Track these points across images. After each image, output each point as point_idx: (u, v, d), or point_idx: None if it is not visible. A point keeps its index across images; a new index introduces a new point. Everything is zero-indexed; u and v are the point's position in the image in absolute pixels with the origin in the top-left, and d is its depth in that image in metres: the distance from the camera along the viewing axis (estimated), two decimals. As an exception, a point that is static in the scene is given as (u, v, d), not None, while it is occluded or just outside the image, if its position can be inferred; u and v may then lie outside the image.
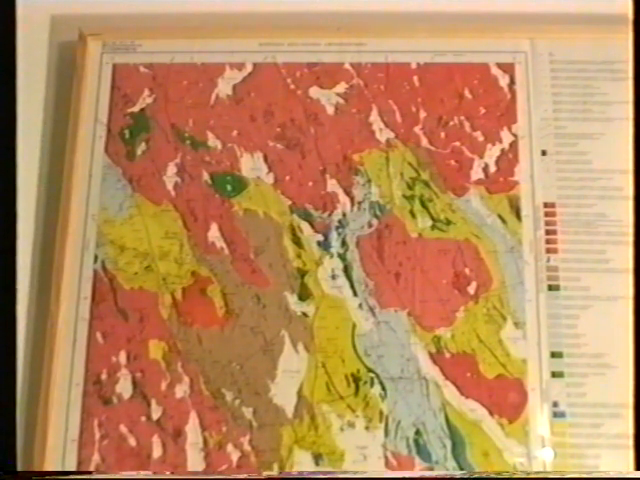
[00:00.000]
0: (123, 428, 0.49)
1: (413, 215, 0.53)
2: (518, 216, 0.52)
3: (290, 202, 0.53)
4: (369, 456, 0.48)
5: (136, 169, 0.54)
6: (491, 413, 0.49)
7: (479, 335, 0.50)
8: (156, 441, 0.49)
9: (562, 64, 0.55)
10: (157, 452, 0.49)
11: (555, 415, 0.49)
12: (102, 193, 0.54)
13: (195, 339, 0.51)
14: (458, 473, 0.48)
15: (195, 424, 0.49)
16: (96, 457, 0.49)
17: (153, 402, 0.50)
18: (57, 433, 0.49)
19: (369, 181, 0.54)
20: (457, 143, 0.54)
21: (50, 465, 0.48)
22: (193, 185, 0.54)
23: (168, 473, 0.49)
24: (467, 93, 0.55)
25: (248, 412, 0.49)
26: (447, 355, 0.50)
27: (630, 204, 0.49)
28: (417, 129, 0.55)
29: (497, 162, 0.54)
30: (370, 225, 0.53)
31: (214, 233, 0.53)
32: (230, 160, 0.55)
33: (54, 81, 0.58)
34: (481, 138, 0.54)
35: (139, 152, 0.55)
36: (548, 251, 0.52)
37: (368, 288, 0.51)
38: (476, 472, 0.48)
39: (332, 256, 0.52)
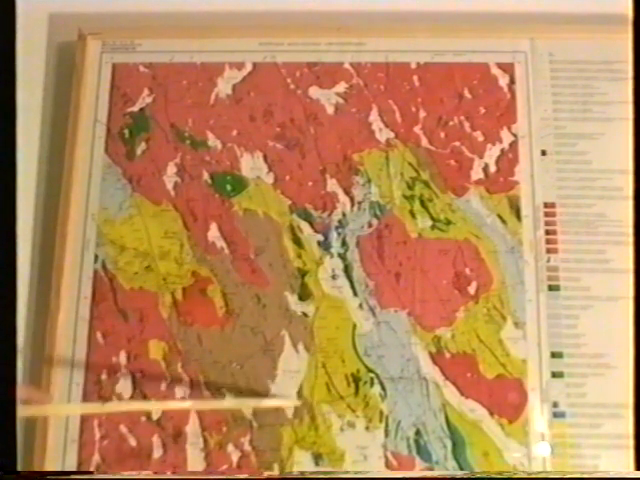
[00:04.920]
0: (123, 428, 0.49)
1: (413, 215, 0.53)
2: (518, 216, 0.52)
3: (290, 202, 0.53)
4: (369, 456, 0.49)
5: (136, 169, 0.54)
6: (491, 413, 0.49)
7: (479, 335, 0.50)
8: (156, 441, 0.49)
9: (562, 64, 0.55)
10: (157, 452, 0.49)
11: (555, 415, 0.49)
12: (102, 193, 0.54)
13: (195, 339, 0.51)
14: (458, 473, 0.48)
15: (195, 424, 0.49)
16: (96, 457, 0.49)
17: (153, 402, 0.50)
18: (57, 433, 0.49)
19: (369, 181, 0.54)
20: (457, 143, 0.54)
21: (50, 465, 0.48)
22: (193, 185, 0.54)
23: (168, 473, 0.49)
24: (467, 93, 0.55)
25: (248, 412, 0.49)
26: (447, 355, 0.50)
27: (630, 204, 0.49)
28: (417, 129, 0.55)
29: (497, 162, 0.54)
30: (370, 225, 0.53)
31: (214, 233, 0.53)
32: (230, 160, 0.54)
33: (53, 81, 0.58)
34: (481, 138, 0.54)
35: (139, 152, 0.55)
36: (548, 251, 0.52)
37: (368, 288, 0.51)
38: (476, 472, 0.48)
39: (332, 256, 0.52)
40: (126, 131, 0.55)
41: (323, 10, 0.59)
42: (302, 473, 0.48)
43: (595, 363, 0.49)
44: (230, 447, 0.49)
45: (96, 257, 0.52)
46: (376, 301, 0.51)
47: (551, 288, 0.51)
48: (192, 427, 0.49)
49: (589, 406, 0.49)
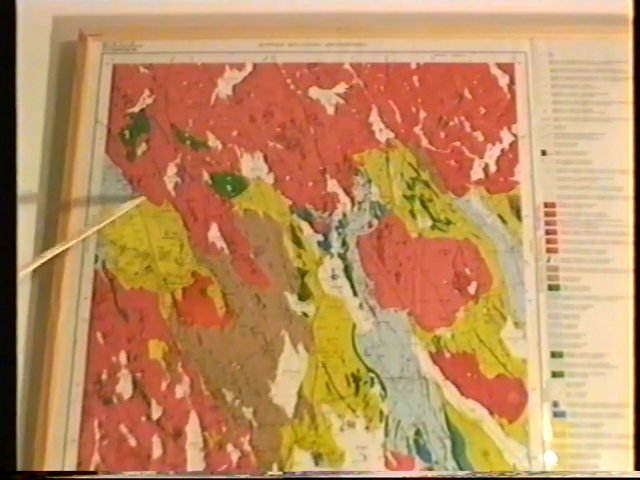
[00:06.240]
0: (123, 428, 0.49)
1: (413, 215, 0.53)
2: (518, 216, 0.52)
3: (290, 202, 0.53)
4: (369, 456, 0.48)
5: (136, 169, 0.55)
6: (491, 413, 0.49)
7: (479, 335, 0.50)
8: (156, 441, 0.49)
9: (562, 64, 0.55)
10: (157, 452, 0.49)
11: (555, 415, 0.49)
12: (102, 193, 0.54)
13: (195, 339, 0.51)
14: (458, 473, 0.48)
15: (195, 424, 0.49)
16: (96, 457, 0.49)
17: (153, 402, 0.50)
18: (57, 433, 0.49)
19: (369, 181, 0.54)
20: (457, 143, 0.54)
21: (50, 465, 0.48)
22: (193, 185, 0.54)
23: (169, 473, 0.49)
24: (467, 93, 0.55)
25: (248, 412, 0.49)
26: (447, 355, 0.50)
27: (630, 204, 0.49)
28: (417, 129, 0.55)
29: (497, 162, 0.54)
30: (370, 225, 0.53)
31: (214, 233, 0.53)
32: (230, 160, 0.55)
33: (55, 81, 0.58)
34: (481, 138, 0.54)
35: (139, 152, 0.55)
36: (548, 251, 0.52)
37: (368, 288, 0.51)
38: (476, 472, 0.48)
39: (332, 256, 0.52)
40: (126, 132, 0.55)
41: (323, 11, 0.59)
42: (302, 473, 0.48)
43: (595, 363, 0.49)
44: (230, 447, 0.49)
45: (96, 257, 0.53)
46: (376, 301, 0.51)
47: (551, 288, 0.51)
48: (192, 427, 0.49)
49: (589, 406, 0.49)
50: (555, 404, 0.49)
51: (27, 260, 0.53)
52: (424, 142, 0.54)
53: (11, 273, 0.47)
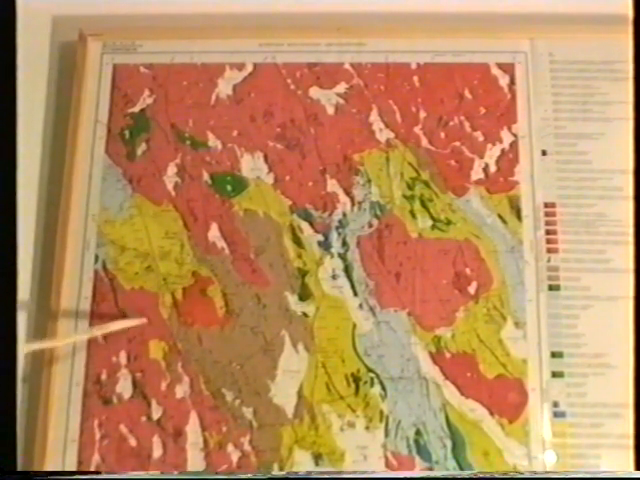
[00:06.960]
0: (123, 428, 0.49)
1: (413, 215, 0.53)
2: (518, 216, 0.52)
3: (290, 202, 0.53)
4: (369, 456, 0.48)
5: (136, 169, 0.55)
6: (491, 413, 0.49)
7: (479, 335, 0.50)
8: (156, 441, 0.49)
9: (562, 64, 0.55)
10: (157, 452, 0.49)
11: (555, 415, 0.49)
12: (102, 193, 0.54)
13: (195, 339, 0.51)
14: (458, 473, 0.48)
15: (195, 424, 0.49)
16: (96, 457, 0.49)
17: (153, 402, 0.50)
18: (57, 433, 0.49)
19: (369, 181, 0.54)
20: (457, 143, 0.54)
21: (50, 465, 0.48)
22: (193, 185, 0.54)
23: (169, 473, 0.49)
24: (467, 93, 0.55)
25: (248, 412, 0.49)
26: (447, 355, 0.50)
27: (630, 204, 0.49)
28: (417, 129, 0.55)
29: (497, 162, 0.54)
30: (370, 225, 0.53)
31: (214, 233, 0.53)
32: (230, 160, 0.55)
33: (55, 81, 0.58)
34: (481, 138, 0.54)
35: (139, 152, 0.55)
36: (548, 251, 0.52)
37: (368, 288, 0.51)
38: (476, 472, 0.48)
39: (332, 256, 0.52)
40: (127, 132, 0.55)
41: (323, 11, 0.59)
42: (301, 473, 0.48)
43: (595, 363, 0.49)
44: (230, 447, 0.49)
45: (96, 257, 0.52)
46: (376, 301, 0.51)
47: (551, 288, 0.51)
48: (192, 427, 0.49)
49: (589, 406, 0.49)
50: (555, 404, 0.49)
51: (27, 260, 0.53)
52: (424, 142, 0.54)
53: (12, 273, 0.47)
